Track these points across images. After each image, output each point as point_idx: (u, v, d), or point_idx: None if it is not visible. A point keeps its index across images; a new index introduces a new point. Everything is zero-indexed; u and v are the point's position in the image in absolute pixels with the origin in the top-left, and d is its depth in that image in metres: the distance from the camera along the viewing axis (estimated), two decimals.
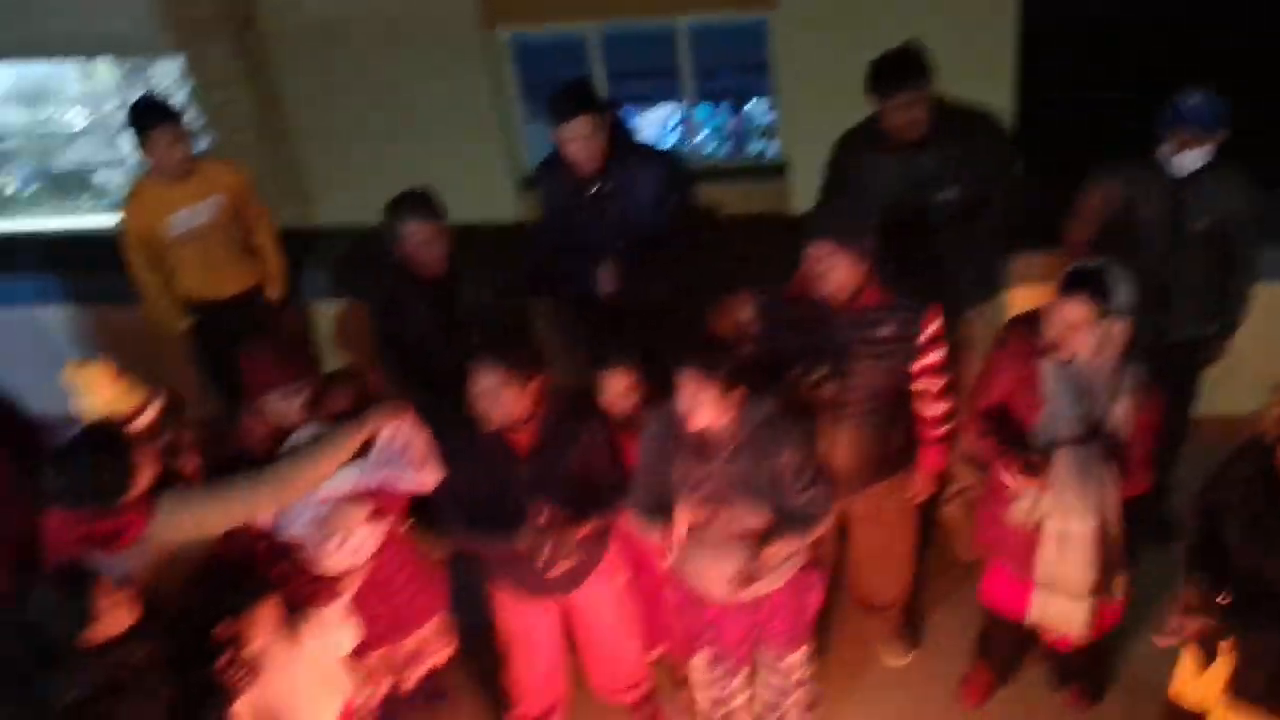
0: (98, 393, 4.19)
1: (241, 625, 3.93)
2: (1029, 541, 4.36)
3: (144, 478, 3.95)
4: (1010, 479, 4.20)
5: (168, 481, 4.11)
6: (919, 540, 5.07)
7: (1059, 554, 4.28)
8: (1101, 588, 4.35)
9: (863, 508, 4.75)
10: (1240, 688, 4.00)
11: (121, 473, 3.87)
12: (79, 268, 6.57)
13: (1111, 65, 9.06)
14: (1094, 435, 4.12)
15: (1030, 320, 4.24)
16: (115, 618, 3.64)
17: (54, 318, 6.52)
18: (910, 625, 5.31)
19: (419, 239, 4.76)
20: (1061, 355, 4.08)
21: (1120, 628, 4.65)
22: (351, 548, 4.37)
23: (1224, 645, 3.96)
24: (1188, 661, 4.20)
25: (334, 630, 4.33)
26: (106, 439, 3.94)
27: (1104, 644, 4.74)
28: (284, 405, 4.24)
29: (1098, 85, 9.33)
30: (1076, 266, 4.07)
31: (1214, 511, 3.90)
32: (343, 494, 4.28)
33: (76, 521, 3.93)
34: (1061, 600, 4.37)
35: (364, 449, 4.28)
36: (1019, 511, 4.30)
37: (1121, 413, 4.13)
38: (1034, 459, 4.13)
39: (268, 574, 4.20)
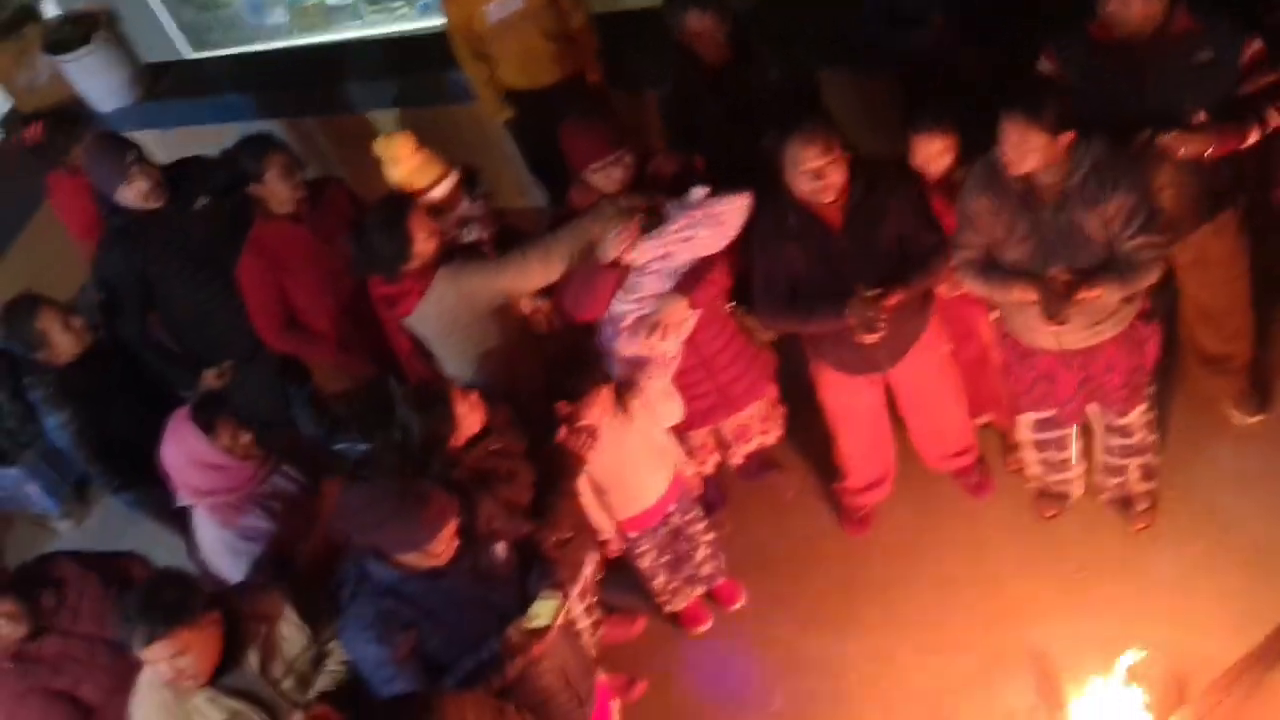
0: (399, 164, 4.41)
1: (579, 406, 4.17)
2: None
3: (424, 249, 4.24)
4: None
5: (459, 252, 4.40)
6: (1255, 286, 4.75)
7: None
8: None
9: (1191, 254, 4.49)
10: None
11: (399, 243, 4.19)
12: (403, 70, 6.83)
13: None
14: None
15: None
16: (471, 421, 3.93)
17: (384, 119, 6.83)
18: (1258, 382, 5.03)
19: (694, 30, 4.68)
20: None
21: None
22: (673, 338, 4.48)
23: None
24: None
25: (661, 405, 4.51)
26: (389, 213, 4.24)
27: None
28: (606, 176, 4.33)
29: None
30: None
31: None
32: (651, 258, 4.35)
33: (376, 285, 4.39)
34: None
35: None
36: None
37: None
38: None
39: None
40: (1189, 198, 4.27)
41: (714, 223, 4.31)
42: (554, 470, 4.10)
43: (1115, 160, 3.90)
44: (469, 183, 4.57)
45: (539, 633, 3.67)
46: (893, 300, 4.20)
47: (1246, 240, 4.56)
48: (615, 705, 4.52)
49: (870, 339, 4.22)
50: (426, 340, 4.52)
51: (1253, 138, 4.15)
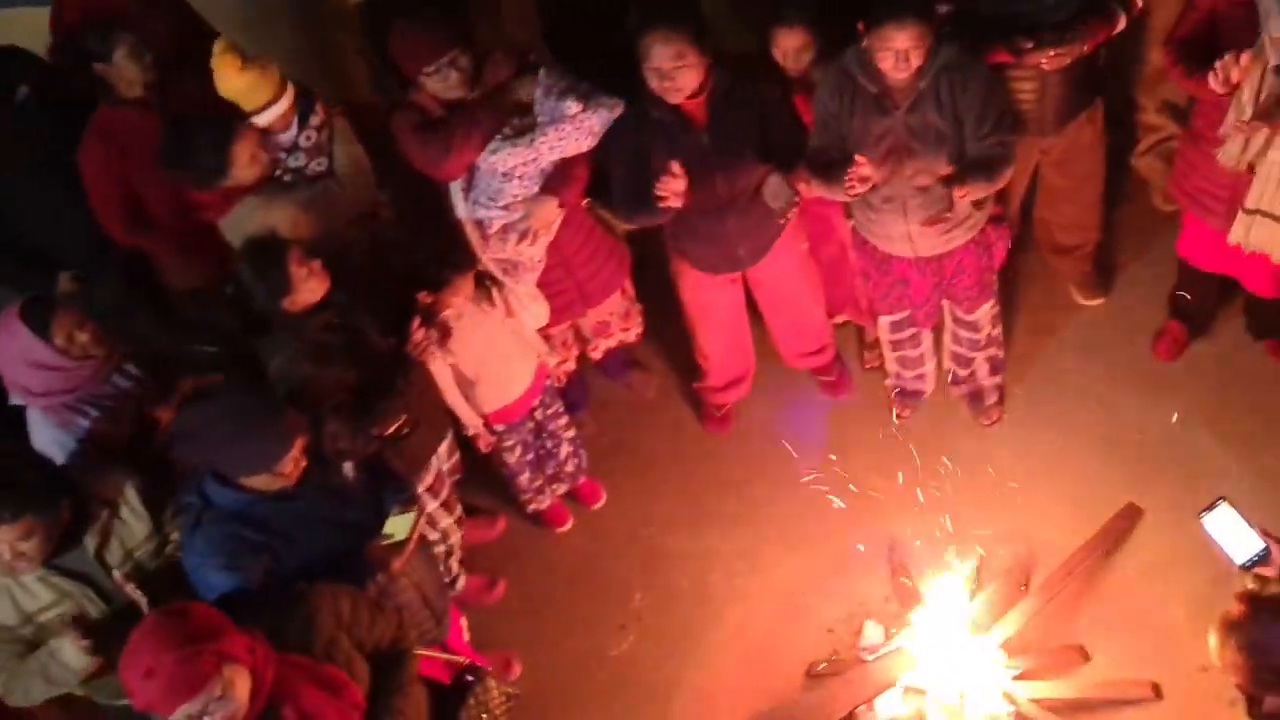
0: (224, 82, 4.17)
1: (441, 296, 4.10)
2: (1232, 189, 4.16)
3: (241, 175, 4.10)
4: (1230, 74, 3.80)
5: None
6: (1107, 183, 4.94)
7: (1278, 180, 4.03)
8: None
9: (1061, 148, 4.60)
10: None
11: (217, 163, 4.06)
12: None
13: None
14: None
15: None
16: (310, 287, 3.82)
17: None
18: (1102, 270, 5.22)
19: None
20: None
21: None
22: (541, 241, 4.42)
23: None
24: None
25: (528, 308, 4.47)
26: (217, 130, 4.07)
27: None
28: (440, 81, 4.17)
29: None
30: None
31: None
32: (516, 164, 4.24)
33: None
34: (1268, 224, 4.14)
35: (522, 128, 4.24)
36: (1229, 156, 4.05)
37: None
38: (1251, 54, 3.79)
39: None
40: (1062, 95, 4.37)
41: (585, 132, 4.22)
42: (399, 363, 4.03)
43: (964, 61, 3.95)
44: (303, 111, 4.33)
45: (397, 548, 3.62)
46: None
47: (1105, 131, 4.70)
48: (463, 624, 4.52)
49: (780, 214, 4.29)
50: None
51: (1121, 23, 4.24)
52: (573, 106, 4.17)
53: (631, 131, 4.24)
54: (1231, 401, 4.82)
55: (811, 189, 4.29)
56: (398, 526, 3.64)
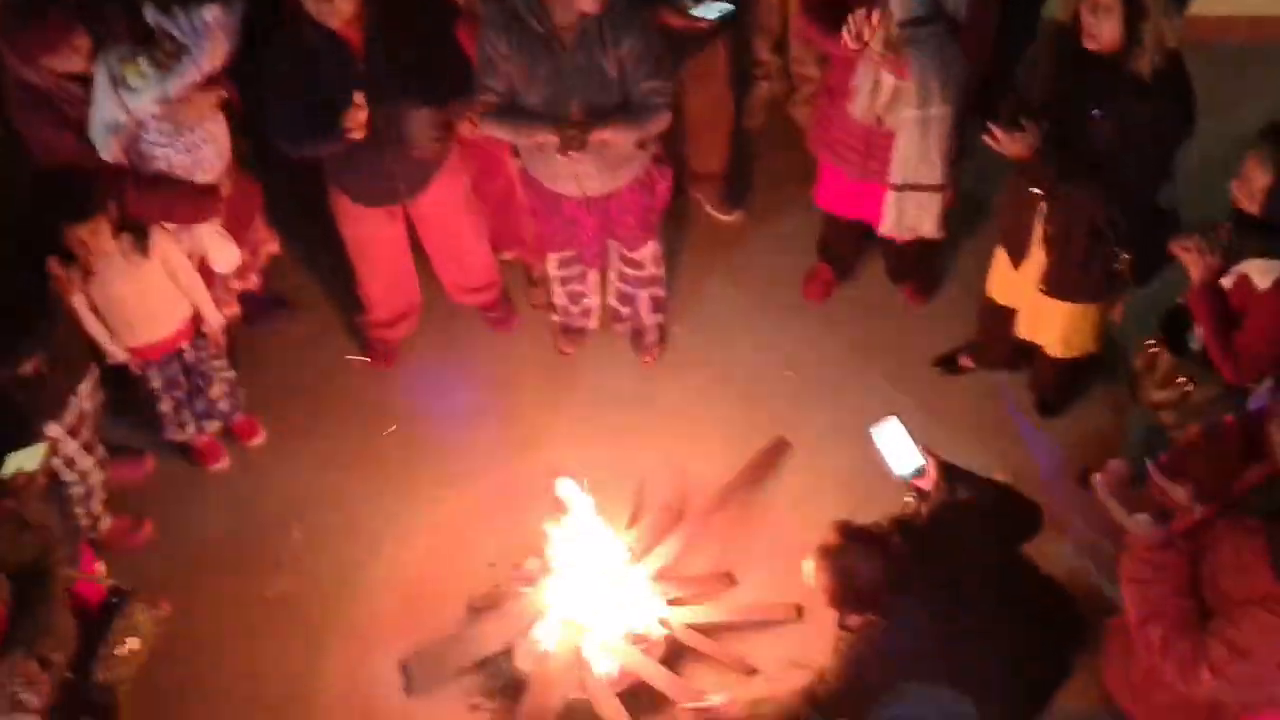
0: None
1: (78, 236, 3.87)
2: (865, 140, 4.42)
3: None
4: (862, 31, 4.05)
5: None
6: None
7: (918, 144, 4.29)
8: (949, 181, 4.46)
9: (697, 71, 4.79)
10: (1051, 283, 4.24)
11: None
12: None
13: None
14: (936, 15, 4.08)
15: None
16: None
17: None
18: (732, 188, 5.47)
19: None
20: None
21: (954, 229, 4.85)
22: (216, 144, 4.26)
23: (1036, 240, 4.16)
24: (999, 260, 4.45)
25: (216, 250, 4.38)
26: None
27: (936, 243, 4.92)
28: (63, 62, 3.96)
29: None
30: None
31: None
32: (186, 91, 4.07)
33: None
34: (917, 198, 4.46)
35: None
36: (860, 108, 4.30)
37: None
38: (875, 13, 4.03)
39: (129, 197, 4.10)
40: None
41: (228, 33, 4.09)
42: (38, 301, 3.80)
43: (624, 5, 4.01)
44: None
45: (17, 481, 3.40)
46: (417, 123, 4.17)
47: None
48: (99, 569, 4.27)
49: (424, 153, 4.22)
50: None
51: None
52: (211, 11, 4.03)
53: (287, 55, 4.10)
54: (873, 341, 5.11)
55: (483, 130, 4.26)
56: (24, 459, 3.42)
